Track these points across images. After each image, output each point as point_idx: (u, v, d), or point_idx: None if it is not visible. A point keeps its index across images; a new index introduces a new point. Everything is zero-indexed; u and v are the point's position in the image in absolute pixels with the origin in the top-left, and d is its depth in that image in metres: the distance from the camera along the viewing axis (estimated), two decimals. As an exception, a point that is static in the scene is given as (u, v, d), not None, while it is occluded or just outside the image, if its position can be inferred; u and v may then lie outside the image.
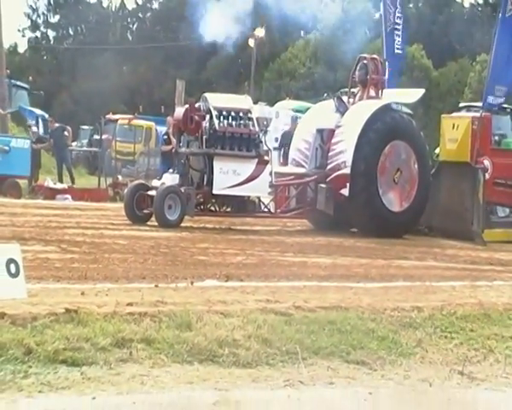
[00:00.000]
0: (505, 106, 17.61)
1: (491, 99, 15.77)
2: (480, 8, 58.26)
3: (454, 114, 17.17)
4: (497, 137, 16.54)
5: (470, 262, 11.97)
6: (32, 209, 14.83)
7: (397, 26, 17.93)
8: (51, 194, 19.70)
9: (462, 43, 50.27)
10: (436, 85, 45.61)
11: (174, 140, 20.49)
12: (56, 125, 24.67)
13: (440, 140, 16.32)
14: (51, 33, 63.71)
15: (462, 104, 20.65)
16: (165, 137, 21.59)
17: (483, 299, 8.14)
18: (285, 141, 17.25)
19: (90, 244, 10.46)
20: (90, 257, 9.36)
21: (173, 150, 14.93)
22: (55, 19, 63.18)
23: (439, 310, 7.33)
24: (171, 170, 14.37)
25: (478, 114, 15.88)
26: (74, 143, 35.64)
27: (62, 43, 62.18)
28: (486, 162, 15.45)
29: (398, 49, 18.08)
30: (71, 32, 63.80)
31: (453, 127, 15.86)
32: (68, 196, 19.61)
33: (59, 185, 20.76)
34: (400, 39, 17.96)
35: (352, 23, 47.42)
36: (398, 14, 17.89)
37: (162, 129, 22.25)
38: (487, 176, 15.23)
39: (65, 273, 8.03)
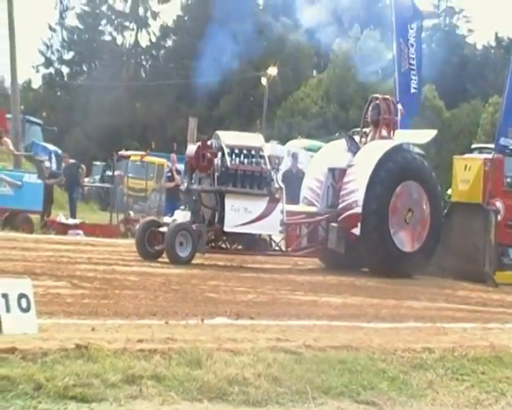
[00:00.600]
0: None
1: (503, 141, 15.78)
2: (492, 51, 58.52)
3: (466, 156, 17.19)
4: (509, 179, 16.52)
5: (482, 304, 11.91)
6: (43, 244, 14.85)
7: (412, 66, 17.98)
8: (63, 229, 19.76)
9: (474, 84, 50.49)
10: (448, 126, 45.73)
11: (177, 177, 20.73)
12: (71, 161, 24.83)
13: (452, 181, 16.31)
14: (65, 70, 64.25)
15: (474, 145, 20.70)
16: (169, 174, 21.76)
17: (494, 341, 8.10)
18: (286, 180, 16.24)
19: (101, 280, 10.46)
20: (101, 293, 9.37)
21: (181, 187, 14.92)
22: (69, 55, 63.77)
23: (451, 352, 7.29)
24: (182, 207, 14.41)
25: (490, 156, 15.88)
26: (87, 179, 35.83)
27: (76, 79, 62.68)
28: (498, 204, 15.43)
29: (414, 88, 18.11)
30: (85, 69, 64.30)
31: (465, 168, 15.87)
32: (80, 232, 19.66)
33: (71, 221, 20.83)
34: (417, 78, 17.98)
35: (365, 63, 47.82)
36: (411, 55, 17.95)
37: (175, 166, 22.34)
38: (499, 218, 15.19)
39: (76, 309, 8.04)
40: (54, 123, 42.19)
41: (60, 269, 11.15)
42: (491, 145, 16.68)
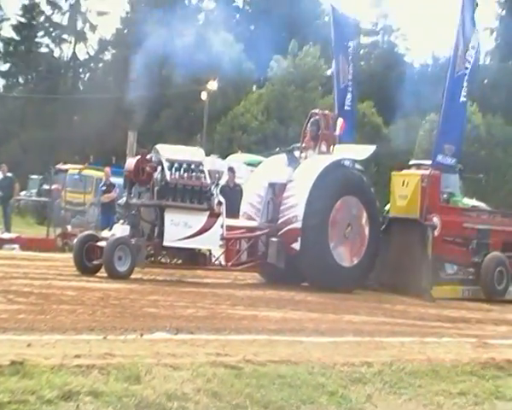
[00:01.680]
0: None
1: (440, 157, 16.04)
2: (429, 69, 59.56)
3: (404, 171, 17.39)
4: (445, 195, 16.77)
5: (419, 318, 12.04)
6: (-22, 258, 14.57)
7: (349, 83, 18.20)
8: (-2, 243, 19.40)
9: (412, 101, 51.29)
10: (387, 142, 46.26)
11: (113, 192, 20.78)
12: (8, 174, 24.37)
13: (390, 196, 16.50)
14: (1, 81, 63.29)
15: (412, 162, 20.93)
16: (104, 188, 21.62)
17: (431, 355, 8.20)
18: (223, 194, 15.39)
19: (38, 295, 10.28)
20: (38, 308, 9.20)
21: (120, 201, 14.79)
22: (4, 67, 62.79)
23: (389, 366, 7.35)
24: (121, 221, 14.27)
25: (427, 172, 16.11)
26: (23, 193, 35.28)
27: (12, 91, 61.71)
28: (435, 219, 15.63)
29: (347, 106, 18.29)
30: (21, 81, 63.34)
31: (403, 184, 16.08)
32: (16, 246, 19.32)
33: (6, 235, 20.46)
34: (351, 97, 18.19)
35: (304, 79, 48.16)
36: (350, 72, 18.15)
37: (113, 180, 22.15)
38: (436, 233, 15.40)
39: (11, 324, 7.87)
40: (-12, 135, 41.46)
41: (-6, 284, 10.93)
42: (429, 161, 16.93)
